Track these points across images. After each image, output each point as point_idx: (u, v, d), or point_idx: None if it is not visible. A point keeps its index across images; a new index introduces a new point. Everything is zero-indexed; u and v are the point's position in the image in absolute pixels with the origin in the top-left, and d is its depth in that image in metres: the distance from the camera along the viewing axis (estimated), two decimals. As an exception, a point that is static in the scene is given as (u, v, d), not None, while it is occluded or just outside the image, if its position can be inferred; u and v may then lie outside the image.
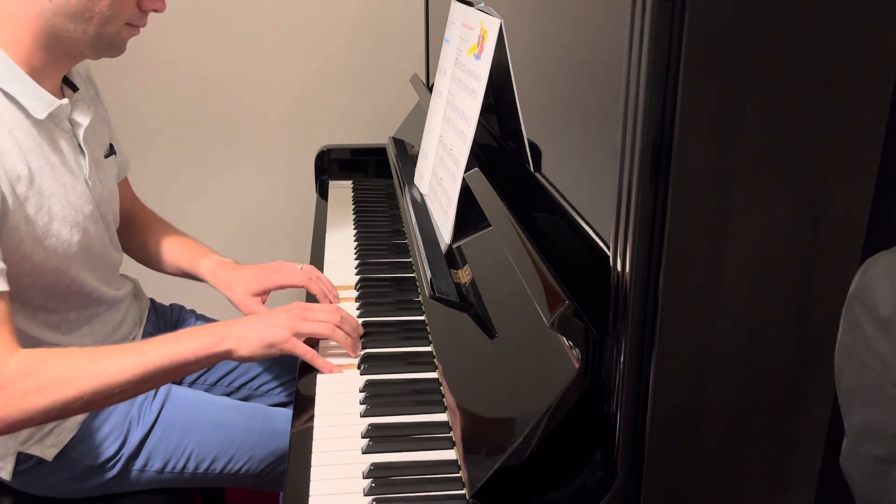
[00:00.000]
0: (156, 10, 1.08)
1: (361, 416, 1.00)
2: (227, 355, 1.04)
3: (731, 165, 0.64)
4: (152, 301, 1.42)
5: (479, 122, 1.09)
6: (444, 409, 1.00)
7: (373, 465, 0.90)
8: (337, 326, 1.11)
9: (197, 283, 1.37)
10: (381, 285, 1.35)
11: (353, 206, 1.73)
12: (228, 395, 1.38)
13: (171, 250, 1.37)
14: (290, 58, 2.06)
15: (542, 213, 0.94)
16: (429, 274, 1.08)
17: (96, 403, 0.99)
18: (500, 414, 0.87)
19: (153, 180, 1.60)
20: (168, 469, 1.19)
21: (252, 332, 1.05)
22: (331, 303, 1.27)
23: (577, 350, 0.75)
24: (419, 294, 1.30)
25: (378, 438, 0.95)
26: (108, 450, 1.16)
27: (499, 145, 1.15)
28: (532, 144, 1.00)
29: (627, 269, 0.68)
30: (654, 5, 0.60)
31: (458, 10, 1.29)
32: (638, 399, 0.72)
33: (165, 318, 1.42)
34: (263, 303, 1.31)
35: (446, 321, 1.10)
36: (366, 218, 1.66)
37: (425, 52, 1.88)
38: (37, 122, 1.03)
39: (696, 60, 0.61)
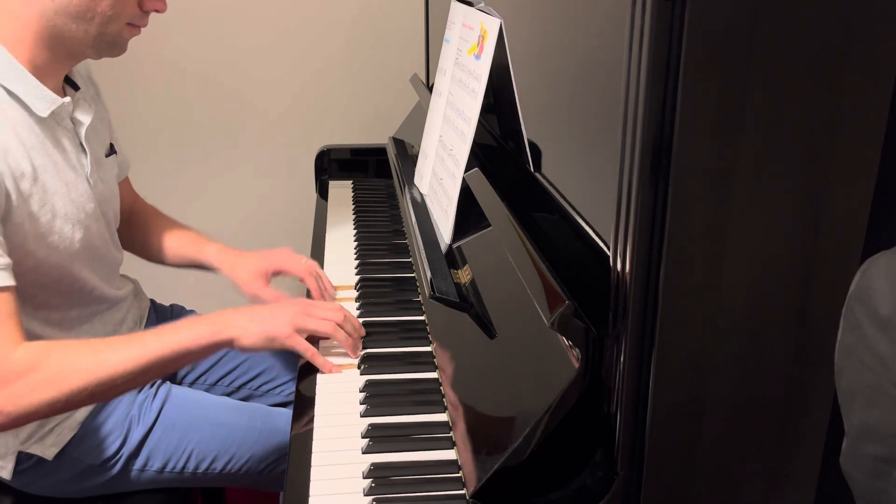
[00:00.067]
0: (157, 11, 1.09)
1: (361, 416, 1.00)
2: (228, 344, 1.04)
3: (731, 165, 0.64)
4: (152, 301, 1.42)
5: (479, 122, 1.09)
6: (444, 409, 1.00)
7: (373, 465, 0.90)
8: (339, 326, 1.11)
9: (197, 284, 1.38)
10: (381, 285, 1.35)
11: (353, 206, 1.73)
12: (228, 395, 1.38)
13: (176, 241, 1.39)
14: (290, 58, 2.06)
15: (542, 213, 0.94)
16: (429, 274, 1.08)
17: (101, 395, 0.99)
18: (500, 414, 0.87)
19: (153, 180, 1.60)
20: (168, 469, 1.19)
21: (254, 324, 1.05)
22: (327, 295, 1.28)
23: (577, 350, 0.75)
24: (419, 294, 1.30)
25: (378, 438, 0.95)
26: (109, 449, 1.16)
27: (499, 145, 1.15)
28: (532, 144, 1.00)
29: (627, 269, 0.68)
30: (654, 5, 0.60)
31: (458, 10, 1.29)
32: (638, 399, 0.72)
33: (165, 319, 1.42)
34: (267, 284, 1.32)
35: (446, 321, 1.10)
36: (366, 218, 1.66)
37: (425, 52, 1.88)
38: (40, 120, 1.04)
39: (696, 60, 0.61)
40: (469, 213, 1.13)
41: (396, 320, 1.23)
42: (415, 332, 1.19)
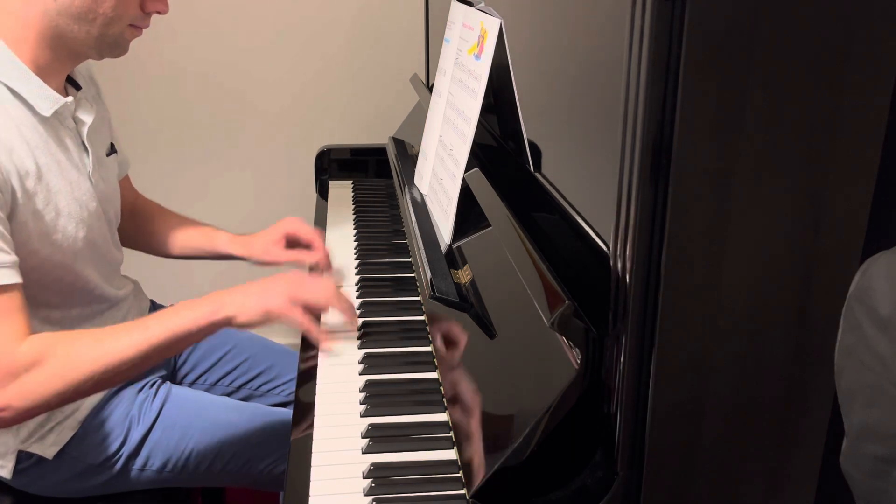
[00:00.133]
0: (159, 12, 1.09)
1: (361, 416, 1.00)
2: (227, 322, 1.04)
3: (731, 165, 0.64)
4: (152, 302, 1.42)
5: (479, 122, 1.09)
6: (444, 409, 1.00)
7: (373, 465, 0.90)
8: (332, 297, 1.12)
9: (197, 284, 1.38)
10: (381, 285, 1.35)
11: (353, 206, 1.73)
12: (229, 395, 1.38)
13: (184, 234, 1.41)
14: (290, 58, 2.06)
15: (542, 213, 0.94)
16: (429, 274, 1.07)
17: (107, 382, 1.01)
18: (499, 414, 0.87)
19: (153, 180, 1.61)
20: (168, 468, 1.19)
21: (250, 299, 1.05)
22: (324, 266, 1.35)
23: (577, 350, 0.75)
24: (419, 294, 1.30)
25: (378, 438, 0.95)
26: (109, 448, 1.16)
27: (499, 145, 1.15)
28: (532, 144, 1.00)
29: (627, 269, 0.68)
30: (654, 5, 0.60)
31: (458, 10, 1.29)
32: (638, 399, 0.72)
33: (165, 319, 1.42)
34: (283, 249, 1.37)
35: (446, 321, 1.10)
36: (366, 218, 1.66)
37: (425, 52, 1.88)
38: (43, 120, 1.04)
39: (696, 60, 0.61)
40: (469, 213, 1.13)
41: (396, 320, 1.23)
42: (415, 332, 1.19)
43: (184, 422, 1.20)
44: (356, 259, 1.45)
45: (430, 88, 1.57)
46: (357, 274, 1.38)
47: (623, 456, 0.73)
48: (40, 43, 1.02)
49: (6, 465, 1.12)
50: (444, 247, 1.17)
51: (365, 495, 0.86)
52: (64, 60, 1.07)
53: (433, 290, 1.05)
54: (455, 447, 0.93)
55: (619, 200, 0.68)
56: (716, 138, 0.63)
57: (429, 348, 1.15)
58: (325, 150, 1.89)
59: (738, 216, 0.66)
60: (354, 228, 1.60)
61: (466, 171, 1.12)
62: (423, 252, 1.14)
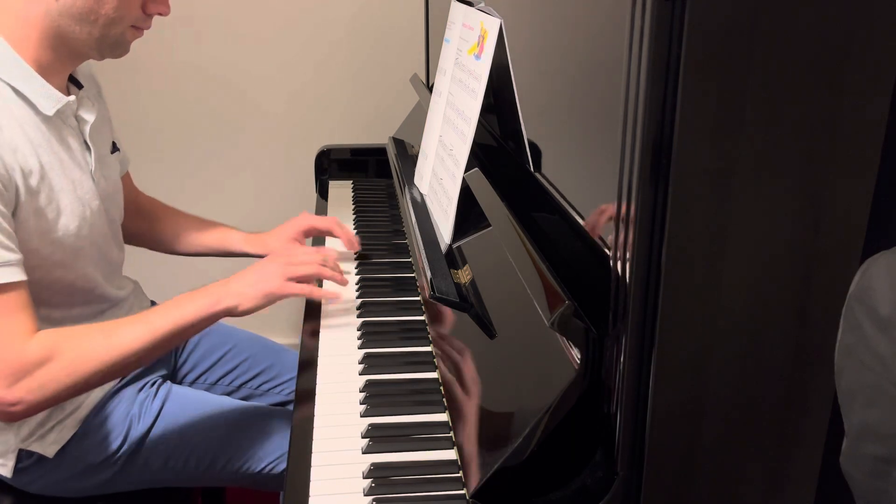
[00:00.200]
0: (160, 14, 1.10)
1: (361, 416, 1.00)
2: (228, 312, 1.09)
3: (731, 165, 0.64)
4: (153, 303, 1.42)
5: (479, 122, 1.09)
6: (444, 409, 1.00)
7: (373, 465, 0.90)
8: (320, 264, 1.18)
9: (197, 284, 1.37)
10: (381, 285, 1.35)
11: (353, 206, 1.73)
12: (229, 394, 1.39)
13: (195, 232, 1.43)
14: (290, 58, 2.06)
15: (542, 213, 0.94)
16: (429, 274, 1.07)
17: (114, 374, 1.04)
18: (500, 414, 0.87)
19: (152, 180, 1.60)
20: (168, 467, 1.19)
21: (248, 287, 1.10)
22: (354, 248, 1.41)
23: (576, 350, 0.75)
24: (419, 294, 1.30)
25: (378, 438, 0.95)
26: (109, 447, 1.16)
27: (499, 145, 1.15)
28: (532, 144, 1.00)
29: (627, 269, 0.68)
30: (654, 5, 0.60)
31: (458, 10, 1.29)
32: (638, 399, 0.72)
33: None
34: (303, 244, 1.41)
35: (446, 321, 1.10)
36: (366, 218, 1.66)
37: (425, 52, 1.88)
38: (45, 119, 1.05)
39: (696, 60, 0.61)
40: (469, 213, 1.13)
41: (396, 320, 1.23)
42: (415, 332, 1.19)
43: (184, 421, 1.20)
44: (356, 259, 1.45)
45: (430, 88, 1.57)
46: (357, 274, 1.38)
47: (623, 456, 0.73)
48: (42, 43, 1.03)
49: (7, 464, 1.12)
50: (444, 247, 1.17)
51: (365, 495, 0.86)
52: (65, 60, 1.07)
53: (433, 290, 1.05)
54: (455, 447, 0.93)
55: (619, 200, 0.68)
56: (716, 138, 0.63)
57: (429, 348, 1.15)
58: (325, 150, 1.89)
59: (738, 216, 0.66)
60: (354, 228, 1.60)
61: (466, 171, 1.12)
62: (423, 252, 1.14)
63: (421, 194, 1.37)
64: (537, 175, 0.98)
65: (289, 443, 0.98)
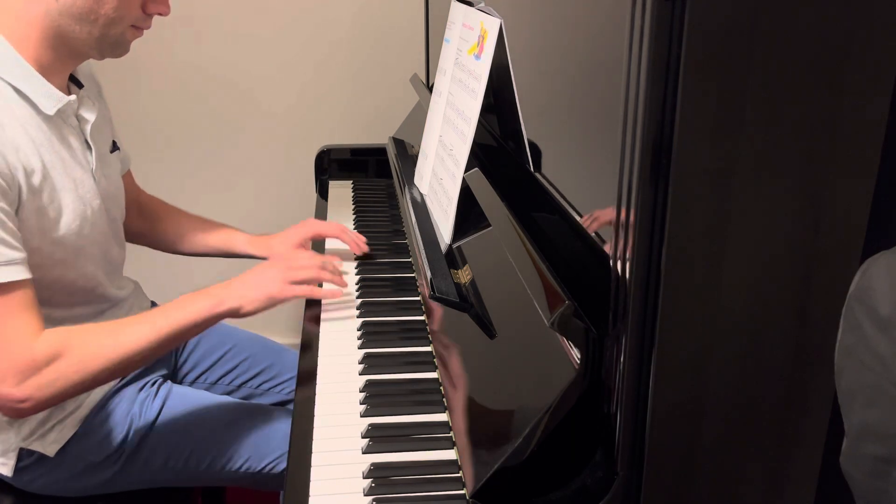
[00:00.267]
0: (160, 14, 1.10)
1: (361, 416, 1.00)
2: (231, 314, 1.11)
3: (731, 165, 0.64)
4: (153, 303, 1.42)
5: (479, 122, 1.09)
6: (444, 409, 1.00)
7: (373, 465, 0.90)
8: (321, 268, 1.21)
9: (197, 285, 1.38)
10: (381, 285, 1.35)
11: (353, 206, 1.73)
12: (229, 393, 1.39)
13: (199, 232, 1.43)
14: (289, 58, 2.05)
15: (542, 213, 0.94)
16: (429, 274, 1.08)
17: (120, 371, 1.07)
18: (500, 414, 0.87)
19: (152, 180, 1.60)
20: (168, 466, 1.19)
21: (251, 290, 1.13)
22: (362, 250, 1.42)
23: (577, 350, 0.75)
24: (419, 294, 1.30)
25: (378, 438, 0.95)
26: (110, 446, 1.16)
27: (499, 145, 1.15)
28: (532, 144, 1.00)
29: (627, 269, 0.68)
30: (654, 5, 0.60)
31: (458, 10, 1.29)
32: (638, 399, 0.72)
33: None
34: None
35: (446, 321, 1.10)
36: (366, 218, 1.66)
37: (425, 52, 1.88)
38: (47, 118, 1.05)
39: (696, 60, 0.61)
40: (469, 213, 1.13)
41: (396, 320, 1.23)
42: (415, 332, 1.19)
43: (184, 420, 1.21)
44: (356, 259, 1.45)
45: (430, 88, 1.57)
46: (357, 274, 1.39)
47: (623, 456, 0.73)
48: (43, 43, 1.03)
49: (7, 463, 1.12)
50: (444, 247, 1.17)
51: (365, 495, 0.86)
52: (66, 60, 1.08)
53: (433, 290, 1.05)
54: (455, 447, 0.93)
55: (619, 200, 0.68)
56: (716, 138, 0.63)
57: (429, 348, 1.15)
58: (325, 150, 1.89)
59: (738, 216, 0.66)
60: (354, 228, 1.60)
61: (466, 171, 1.12)
62: (423, 252, 1.14)
63: (421, 194, 1.37)
64: (537, 175, 0.98)
65: (289, 443, 0.98)
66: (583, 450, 0.78)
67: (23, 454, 1.13)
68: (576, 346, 0.75)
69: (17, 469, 1.13)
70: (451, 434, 0.95)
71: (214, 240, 1.43)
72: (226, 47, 2.02)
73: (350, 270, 1.40)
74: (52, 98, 1.04)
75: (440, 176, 1.24)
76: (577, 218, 0.84)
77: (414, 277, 1.37)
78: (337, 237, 1.43)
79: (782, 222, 0.67)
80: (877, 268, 0.54)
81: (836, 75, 0.63)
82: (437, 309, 1.12)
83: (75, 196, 1.08)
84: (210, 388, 1.40)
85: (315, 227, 1.44)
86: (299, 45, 2.05)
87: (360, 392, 1.05)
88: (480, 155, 1.17)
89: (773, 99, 0.63)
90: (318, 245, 1.54)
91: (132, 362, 1.05)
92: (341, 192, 1.83)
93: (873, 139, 0.66)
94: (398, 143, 1.70)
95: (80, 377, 1.00)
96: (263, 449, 1.21)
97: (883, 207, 0.68)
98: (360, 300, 1.29)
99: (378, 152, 1.89)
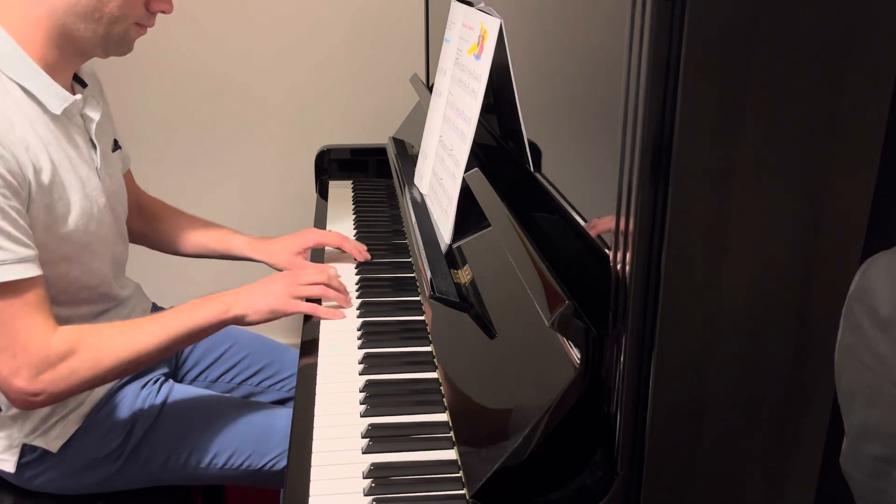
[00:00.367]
0: (164, 12, 1.11)
1: (361, 416, 1.00)
2: (237, 321, 1.15)
3: (731, 165, 0.64)
4: (153, 304, 1.43)
5: (479, 122, 1.09)
6: (444, 409, 1.00)
7: (373, 465, 0.90)
8: (326, 286, 1.23)
9: (196, 286, 1.39)
10: (381, 285, 1.35)
11: (353, 206, 1.73)
12: (229, 392, 1.39)
13: (198, 233, 1.44)
14: (289, 58, 2.06)
15: (542, 213, 0.94)
16: (429, 274, 1.08)
17: (129, 370, 1.09)
18: (500, 414, 0.87)
19: (152, 180, 1.60)
20: (169, 464, 1.19)
21: (257, 301, 1.15)
22: (364, 257, 1.42)
23: (577, 350, 0.75)
24: (419, 294, 1.30)
25: (378, 438, 0.95)
26: (111, 443, 1.17)
27: (499, 145, 1.15)
28: (532, 144, 1.00)
29: (627, 269, 0.68)
30: (654, 5, 0.60)
31: (458, 10, 1.29)
32: (638, 399, 0.72)
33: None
34: (305, 259, 1.43)
35: (446, 321, 1.10)
36: (366, 218, 1.66)
37: (425, 52, 1.88)
38: (54, 118, 1.06)
39: (696, 60, 0.61)
40: (469, 213, 1.13)
41: (396, 320, 1.23)
42: (415, 332, 1.19)
43: (185, 418, 1.21)
44: (356, 259, 1.45)
45: (430, 88, 1.57)
46: (357, 274, 1.39)
47: (623, 456, 0.73)
48: (48, 42, 1.03)
49: (10, 459, 1.13)
50: (444, 247, 1.17)
51: (365, 495, 0.86)
52: (71, 59, 1.08)
53: (433, 290, 1.05)
54: (455, 447, 0.93)
55: (619, 200, 0.68)
56: (716, 138, 0.63)
57: (429, 348, 1.15)
58: (325, 150, 1.89)
59: (738, 216, 0.66)
60: (354, 228, 1.60)
61: (466, 171, 1.12)
62: (423, 252, 1.14)
63: (421, 194, 1.37)
64: (537, 175, 0.98)
65: (289, 443, 0.98)
66: (583, 450, 0.78)
67: (25, 450, 1.13)
68: (576, 346, 0.75)
69: (20, 465, 1.14)
70: (451, 434, 0.95)
71: (213, 241, 1.43)
72: (226, 47, 2.02)
73: (350, 270, 1.40)
74: (58, 97, 1.05)
75: (440, 176, 1.24)
76: (577, 218, 0.84)
77: (414, 277, 1.37)
78: (338, 246, 1.44)
79: (782, 222, 0.67)
80: (877, 268, 0.54)
81: (836, 75, 0.63)
82: (438, 309, 1.12)
83: (83, 194, 1.09)
84: (210, 385, 1.40)
85: (316, 236, 1.44)
86: (299, 45, 2.05)
87: (360, 392, 1.05)
88: (480, 155, 1.17)
89: (773, 99, 0.63)
90: (317, 252, 1.54)
91: (142, 361, 1.08)
92: (341, 192, 1.83)
93: (873, 139, 0.66)
94: (398, 143, 1.70)
95: (93, 374, 1.03)
96: (264, 446, 1.22)
97: (883, 207, 0.68)
98: (360, 300, 1.29)
99: (378, 152, 1.89)
